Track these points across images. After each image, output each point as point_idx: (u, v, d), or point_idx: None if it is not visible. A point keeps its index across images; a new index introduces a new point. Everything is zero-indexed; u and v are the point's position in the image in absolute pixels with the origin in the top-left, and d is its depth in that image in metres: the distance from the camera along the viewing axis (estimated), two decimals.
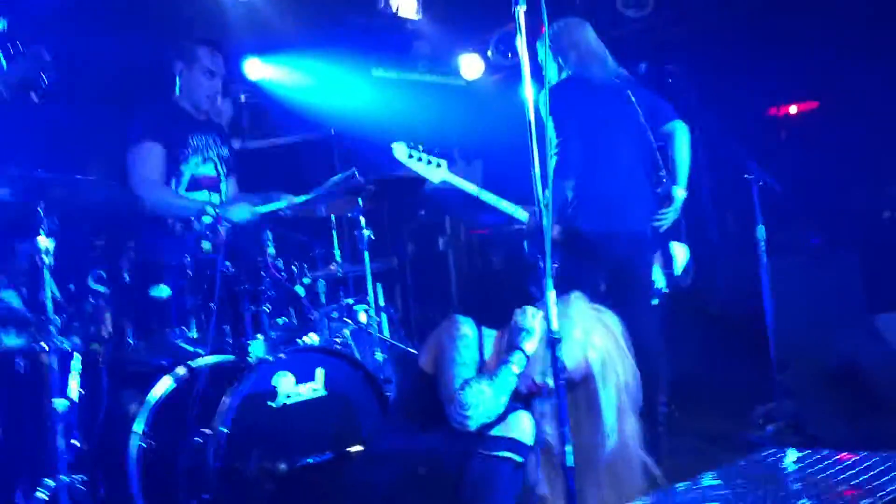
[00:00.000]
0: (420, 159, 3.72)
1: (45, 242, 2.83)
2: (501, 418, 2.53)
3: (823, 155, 5.92)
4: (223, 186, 4.05)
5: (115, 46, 4.57)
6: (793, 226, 5.58)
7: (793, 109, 6.54)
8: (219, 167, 4.04)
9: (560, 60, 3.89)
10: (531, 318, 2.61)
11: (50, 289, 2.85)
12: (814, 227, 5.56)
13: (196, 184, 3.94)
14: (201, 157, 3.96)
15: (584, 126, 3.72)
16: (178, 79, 3.98)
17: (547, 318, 2.21)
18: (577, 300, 2.65)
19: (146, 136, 3.77)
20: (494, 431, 2.52)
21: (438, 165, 3.74)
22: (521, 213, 3.78)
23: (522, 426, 2.53)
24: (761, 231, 4.28)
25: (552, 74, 3.89)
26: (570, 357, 2.52)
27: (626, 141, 3.83)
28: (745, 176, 4.26)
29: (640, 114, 3.82)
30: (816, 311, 5.04)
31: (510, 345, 2.61)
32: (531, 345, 2.59)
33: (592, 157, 3.72)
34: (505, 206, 3.76)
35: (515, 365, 2.56)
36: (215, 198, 4.00)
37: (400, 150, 3.70)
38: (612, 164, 3.78)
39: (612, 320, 2.65)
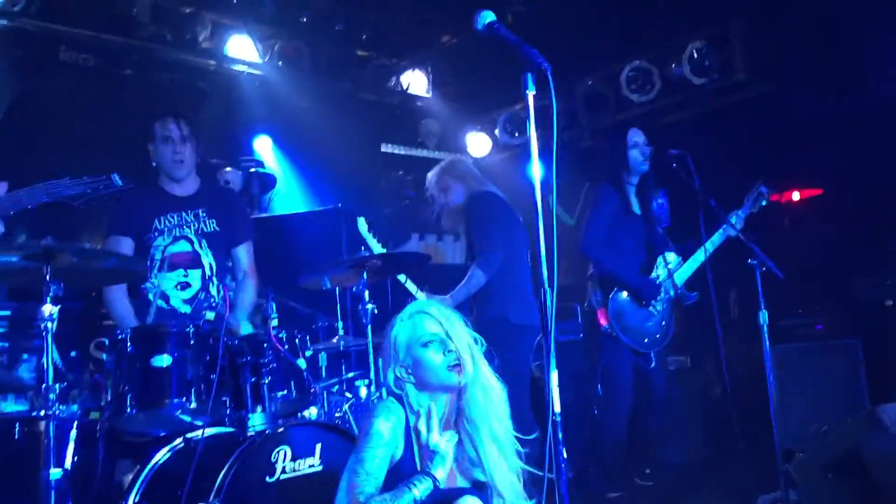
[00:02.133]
0: (374, 236, 4.88)
1: (49, 309, 2.84)
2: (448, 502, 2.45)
3: (826, 242, 5.96)
4: (207, 260, 4.03)
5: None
6: (796, 312, 5.58)
7: (795, 196, 6.60)
8: (196, 243, 4.03)
9: None
10: (446, 442, 2.52)
11: (52, 356, 2.84)
12: (817, 314, 5.55)
13: (170, 264, 4.00)
14: (171, 237, 3.99)
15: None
16: (152, 158, 4.08)
17: (549, 399, 2.20)
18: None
19: (113, 230, 3.98)
20: None
21: (384, 246, 4.91)
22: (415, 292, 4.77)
23: None
24: (764, 316, 4.26)
25: None
26: None
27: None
28: (749, 261, 4.28)
29: None
30: (820, 398, 5.01)
31: (422, 467, 2.53)
32: (442, 472, 2.49)
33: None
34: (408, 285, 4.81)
35: (419, 490, 2.43)
36: (194, 274, 4.00)
37: (362, 224, 4.87)
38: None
39: None
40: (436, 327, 2.67)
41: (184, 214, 4.04)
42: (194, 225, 4.04)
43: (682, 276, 4.88)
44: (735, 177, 5.26)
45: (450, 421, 2.66)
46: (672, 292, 4.86)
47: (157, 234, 3.97)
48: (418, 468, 2.54)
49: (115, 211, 4.01)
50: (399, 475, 2.52)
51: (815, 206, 6.39)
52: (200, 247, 4.03)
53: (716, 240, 4.77)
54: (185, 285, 3.99)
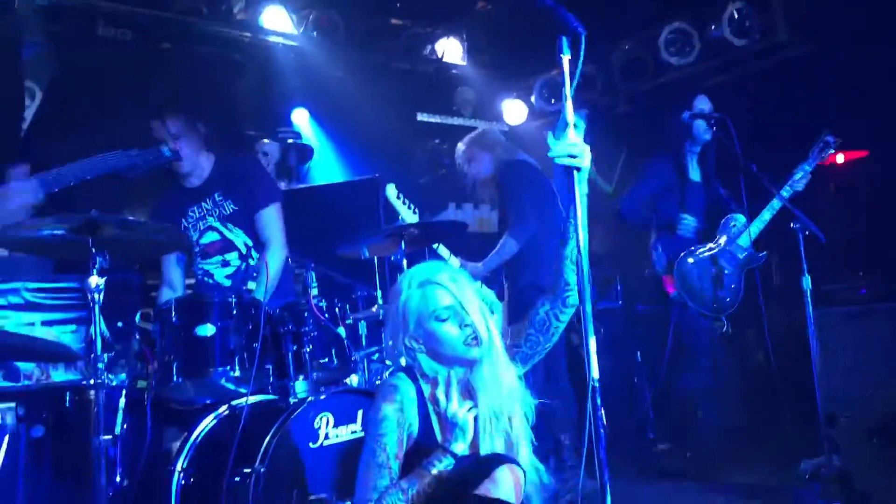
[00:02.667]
0: (403, 202, 4.82)
1: (95, 280, 2.90)
2: (485, 473, 2.32)
3: (871, 205, 5.84)
4: (240, 240, 4.06)
5: None
6: (840, 276, 5.49)
7: (840, 158, 6.46)
8: (222, 229, 4.07)
9: None
10: (465, 412, 2.43)
11: (99, 326, 2.90)
12: (861, 278, 5.45)
13: (205, 255, 4.10)
14: (198, 231, 4.06)
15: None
16: None
17: (588, 365, 2.19)
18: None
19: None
20: (480, 489, 2.30)
21: (415, 212, 4.83)
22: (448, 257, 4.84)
23: (507, 484, 2.32)
24: (807, 281, 4.21)
25: None
26: None
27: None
28: (791, 225, 4.22)
29: None
30: (864, 364, 4.93)
31: (443, 439, 2.45)
32: (462, 445, 2.41)
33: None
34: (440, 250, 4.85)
35: (438, 468, 2.37)
36: (231, 256, 4.07)
37: (391, 191, 4.82)
38: None
39: None
40: (449, 299, 2.52)
41: (203, 204, 4.08)
42: (215, 212, 4.07)
43: (746, 238, 4.83)
44: (777, 140, 5.17)
45: (465, 391, 2.54)
46: (741, 255, 4.82)
47: (187, 232, 4.03)
48: (439, 440, 2.47)
49: (150, 215, 4.14)
50: (421, 451, 2.45)
51: (860, 168, 6.25)
52: (228, 230, 4.07)
53: (788, 191, 4.70)
54: (225, 263, 4.07)
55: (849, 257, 5.57)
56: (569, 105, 2.30)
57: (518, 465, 2.43)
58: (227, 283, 4.05)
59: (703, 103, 4.90)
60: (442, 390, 2.49)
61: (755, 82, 6.30)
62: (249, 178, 4.15)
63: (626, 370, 6.10)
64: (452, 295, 2.52)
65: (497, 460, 2.39)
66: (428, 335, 2.52)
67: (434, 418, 2.52)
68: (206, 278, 4.09)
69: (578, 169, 2.28)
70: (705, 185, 4.95)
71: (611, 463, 2.12)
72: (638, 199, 4.88)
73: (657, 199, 4.86)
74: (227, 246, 4.07)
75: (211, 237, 4.07)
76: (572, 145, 2.28)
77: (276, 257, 3.98)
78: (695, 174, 4.96)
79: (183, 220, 4.08)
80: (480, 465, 2.37)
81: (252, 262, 4.05)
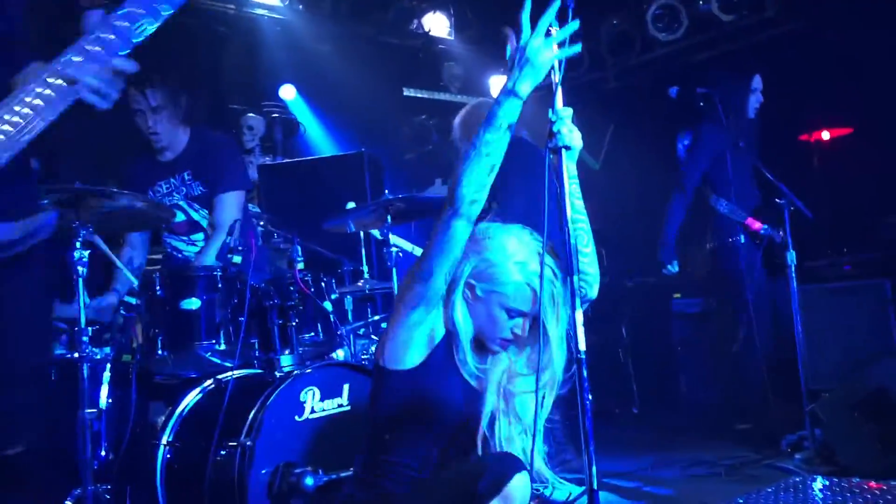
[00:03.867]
0: None
1: (79, 254, 2.87)
2: (498, 488, 2.06)
3: (856, 181, 5.86)
4: (205, 222, 3.99)
5: None
6: (824, 252, 5.53)
7: (825, 135, 6.48)
8: (188, 209, 3.99)
9: None
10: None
11: (83, 299, 2.88)
12: (845, 254, 5.49)
13: (170, 232, 4.04)
14: None
15: None
16: None
17: (575, 339, 2.19)
18: None
19: None
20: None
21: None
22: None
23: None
24: (791, 256, 4.23)
25: None
26: None
27: None
28: (777, 200, 4.24)
29: None
30: (847, 339, 4.98)
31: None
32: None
33: None
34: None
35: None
36: (197, 237, 4.01)
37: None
38: None
39: None
40: (533, 304, 2.28)
41: (172, 181, 3.99)
42: (182, 190, 3.98)
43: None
44: (764, 116, 5.17)
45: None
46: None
47: None
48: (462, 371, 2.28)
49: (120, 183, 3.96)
50: (430, 370, 2.26)
51: (845, 145, 6.27)
52: (194, 210, 4.00)
53: None
54: (190, 242, 4.03)
55: (833, 234, 5.60)
56: (556, 79, 2.28)
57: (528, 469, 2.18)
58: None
59: (759, 83, 4.95)
60: (467, 349, 2.30)
61: (743, 58, 6.29)
62: (220, 160, 4.01)
63: (612, 346, 6.14)
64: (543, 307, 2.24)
65: (511, 466, 2.14)
66: (486, 299, 2.31)
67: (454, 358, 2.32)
68: (175, 253, 4.04)
69: (568, 148, 2.26)
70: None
71: (596, 436, 2.13)
72: (698, 170, 4.89)
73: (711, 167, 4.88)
74: (193, 227, 4.01)
75: (178, 217, 3.94)
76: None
77: (214, 245, 3.83)
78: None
79: (150, 191, 3.96)
80: (494, 476, 2.09)
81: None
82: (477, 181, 2.23)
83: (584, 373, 2.17)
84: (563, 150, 2.26)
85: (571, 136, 2.24)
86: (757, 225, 4.76)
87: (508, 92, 2.22)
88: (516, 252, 2.35)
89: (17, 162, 1.85)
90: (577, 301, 2.21)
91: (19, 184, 1.99)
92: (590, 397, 2.18)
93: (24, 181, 2.05)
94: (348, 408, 3.21)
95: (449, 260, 2.24)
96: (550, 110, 2.29)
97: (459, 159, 2.24)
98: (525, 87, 2.22)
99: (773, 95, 5.20)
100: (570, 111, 2.27)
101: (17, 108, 1.82)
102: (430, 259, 2.22)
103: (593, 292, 2.38)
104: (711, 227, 4.93)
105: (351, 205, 4.26)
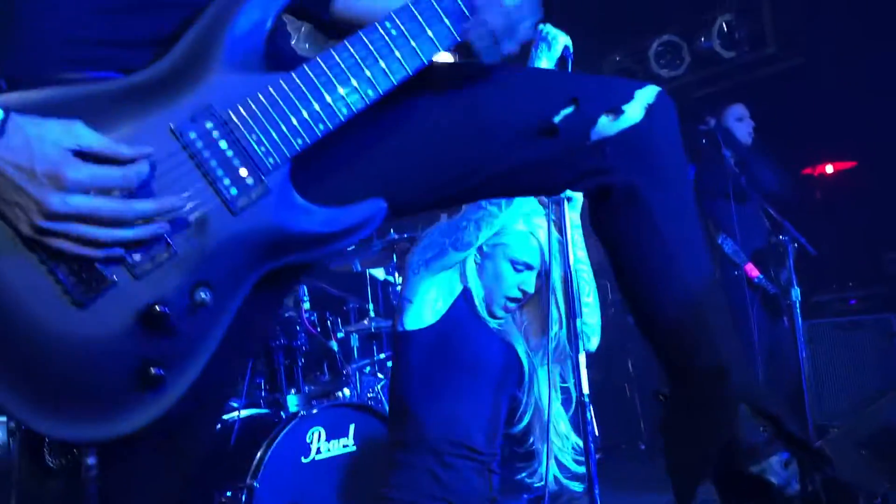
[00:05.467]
0: None
1: None
2: None
3: (860, 215, 5.88)
4: None
5: None
6: (829, 287, 5.53)
7: (829, 169, 6.51)
8: None
9: None
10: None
11: None
12: (850, 289, 5.49)
13: None
14: None
15: None
16: None
17: (578, 381, 2.21)
18: None
19: None
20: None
21: None
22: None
23: None
24: (796, 293, 4.24)
25: None
26: None
27: None
28: (780, 237, 4.25)
29: None
30: (853, 373, 4.97)
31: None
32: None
33: None
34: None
35: None
36: None
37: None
38: None
39: None
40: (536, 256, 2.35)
41: None
42: None
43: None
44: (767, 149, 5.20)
45: None
46: None
47: None
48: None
49: None
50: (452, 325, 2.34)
51: (849, 179, 6.30)
52: None
53: None
54: None
55: (838, 268, 5.60)
56: None
57: None
58: None
59: (737, 112, 4.98)
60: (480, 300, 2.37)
61: (744, 94, 6.34)
62: None
63: (619, 381, 6.12)
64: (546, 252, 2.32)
65: None
66: (489, 256, 2.39)
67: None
68: None
69: (570, 199, 2.30)
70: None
71: (602, 474, 2.14)
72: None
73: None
74: None
75: None
76: None
77: None
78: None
79: None
80: None
81: None
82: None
83: (589, 415, 2.19)
84: (565, 201, 2.29)
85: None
86: (754, 273, 4.75)
87: None
88: (521, 204, 2.36)
89: None
90: (581, 343, 2.23)
91: None
92: (596, 433, 2.19)
93: None
94: (354, 448, 3.21)
95: None
96: None
97: None
98: None
99: (776, 130, 5.23)
100: None
101: None
102: None
103: (592, 345, 2.40)
104: (717, 260, 4.94)
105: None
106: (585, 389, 2.18)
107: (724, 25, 6.14)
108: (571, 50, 2.16)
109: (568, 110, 1.32)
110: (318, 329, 3.56)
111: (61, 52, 1.17)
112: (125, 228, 1.08)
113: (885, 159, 5.75)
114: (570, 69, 2.18)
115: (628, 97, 1.35)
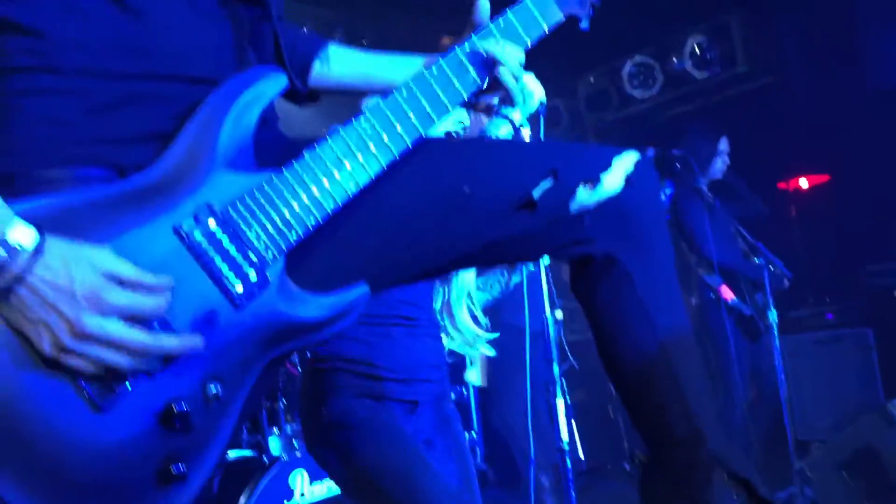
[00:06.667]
0: None
1: None
2: None
3: (835, 229, 5.94)
4: None
5: None
6: (806, 302, 5.58)
7: (803, 183, 6.57)
8: None
9: None
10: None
11: None
12: (827, 304, 5.55)
13: None
14: None
15: None
16: None
17: (557, 429, 2.22)
18: None
19: None
20: None
21: None
22: None
23: None
24: (773, 315, 4.28)
25: None
26: None
27: None
28: (756, 260, 4.29)
29: None
30: (832, 388, 5.01)
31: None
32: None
33: None
34: None
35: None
36: None
37: None
38: None
39: None
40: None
41: None
42: None
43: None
44: (738, 169, 5.25)
45: None
46: None
47: None
48: None
49: None
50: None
51: (823, 193, 6.36)
52: None
53: None
54: None
55: (814, 283, 5.66)
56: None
57: None
58: None
59: (724, 146, 5.02)
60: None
61: (717, 112, 6.41)
62: None
63: (601, 401, 6.14)
64: None
65: None
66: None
67: None
68: None
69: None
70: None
71: (586, 495, 2.15)
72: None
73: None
74: None
75: None
76: None
77: None
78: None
79: None
80: None
81: None
82: None
83: (569, 463, 2.21)
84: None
85: None
86: (728, 295, 4.78)
87: None
88: None
89: None
90: (558, 389, 2.25)
91: None
92: (580, 455, 2.20)
93: None
94: (337, 491, 3.20)
95: None
96: None
97: None
98: None
99: (749, 145, 5.29)
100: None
101: None
102: None
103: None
104: (694, 283, 4.98)
105: None
106: (565, 437, 2.19)
107: (696, 47, 6.21)
108: (545, 104, 2.17)
109: (546, 184, 1.33)
110: (300, 369, 3.55)
111: (53, 152, 1.18)
112: (146, 360, 1.10)
113: (858, 172, 5.81)
114: (541, 124, 2.20)
115: (606, 165, 1.36)
